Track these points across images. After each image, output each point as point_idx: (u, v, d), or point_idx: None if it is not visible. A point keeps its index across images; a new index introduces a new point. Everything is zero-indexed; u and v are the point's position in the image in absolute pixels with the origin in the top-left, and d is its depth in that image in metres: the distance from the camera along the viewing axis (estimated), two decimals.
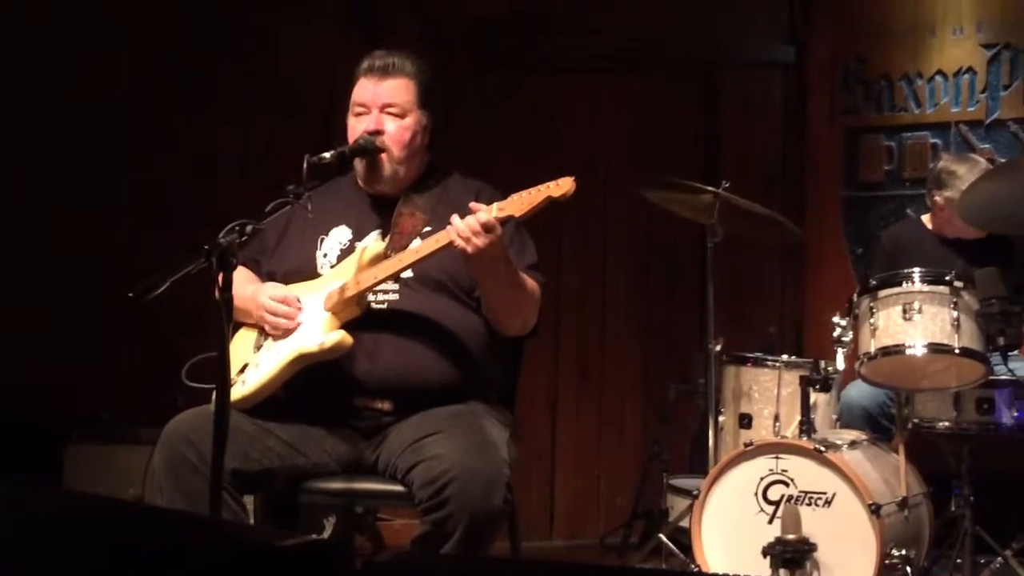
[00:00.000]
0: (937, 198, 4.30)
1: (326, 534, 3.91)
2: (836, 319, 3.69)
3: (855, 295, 3.69)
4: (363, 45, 4.07)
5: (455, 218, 2.70)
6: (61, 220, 4.59)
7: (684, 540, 3.77)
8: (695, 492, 3.64)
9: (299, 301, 2.88)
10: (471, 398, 2.89)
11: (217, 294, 2.39)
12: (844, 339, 3.67)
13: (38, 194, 4.59)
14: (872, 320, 3.57)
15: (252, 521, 3.14)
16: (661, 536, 4.06)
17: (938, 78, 5.11)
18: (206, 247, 2.38)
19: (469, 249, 2.68)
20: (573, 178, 2.67)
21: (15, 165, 4.58)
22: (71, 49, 4.64)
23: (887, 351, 3.52)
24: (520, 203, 2.69)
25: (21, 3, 4.58)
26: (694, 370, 4.41)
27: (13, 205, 4.56)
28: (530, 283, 2.92)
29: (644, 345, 5.20)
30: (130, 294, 2.35)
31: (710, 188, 3.99)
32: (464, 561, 2.25)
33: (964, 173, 4.14)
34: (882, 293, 3.59)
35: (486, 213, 2.69)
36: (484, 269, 2.78)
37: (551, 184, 2.68)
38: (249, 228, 2.48)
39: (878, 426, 4.09)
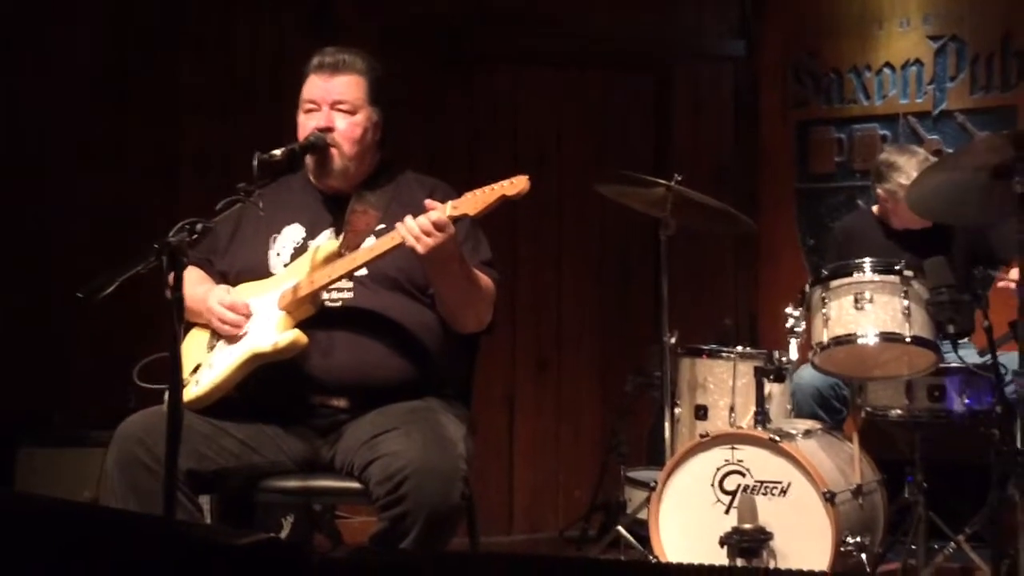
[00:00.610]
0: (879, 190, 4.34)
1: (284, 533, 3.90)
2: (789, 310, 3.72)
3: (807, 286, 3.72)
4: (319, 43, 4.06)
5: (408, 218, 2.70)
6: (12, 221, 4.53)
7: (642, 532, 3.79)
8: (652, 484, 3.66)
9: (248, 308, 2.86)
10: (427, 394, 2.89)
11: (168, 293, 2.37)
12: (797, 329, 3.70)
13: None
14: (824, 310, 3.60)
15: (209, 521, 3.13)
16: (619, 528, 4.08)
17: (886, 70, 5.16)
18: (156, 246, 2.36)
19: (421, 248, 2.68)
20: (527, 177, 2.68)
21: None
22: (24, 46, 4.58)
23: (839, 340, 3.56)
24: (474, 202, 2.70)
25: None
26: (650, 363, 4.42)
27: None
28: (484, 280, 2.93)
29: (601, 339, 5.22)
30: (79, 294, 2.33)
31: (663, 182, 4.01)
32: (422, 556, 2.26)
33: (903, 164, 4.18)
34: (834, 283, 3.62)
35: (439, 212, 2.69)
36: (437, 267, 2.79)
37: (505, 183, 2.68)
38: (199, 226, 2.47)
39: (829, 407, 4.13)
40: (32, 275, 4.50)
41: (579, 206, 5.11)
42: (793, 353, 3.73)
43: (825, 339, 3.57)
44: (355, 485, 2.76)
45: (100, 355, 4.46)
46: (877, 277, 3.58)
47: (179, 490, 2.54)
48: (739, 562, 3.40)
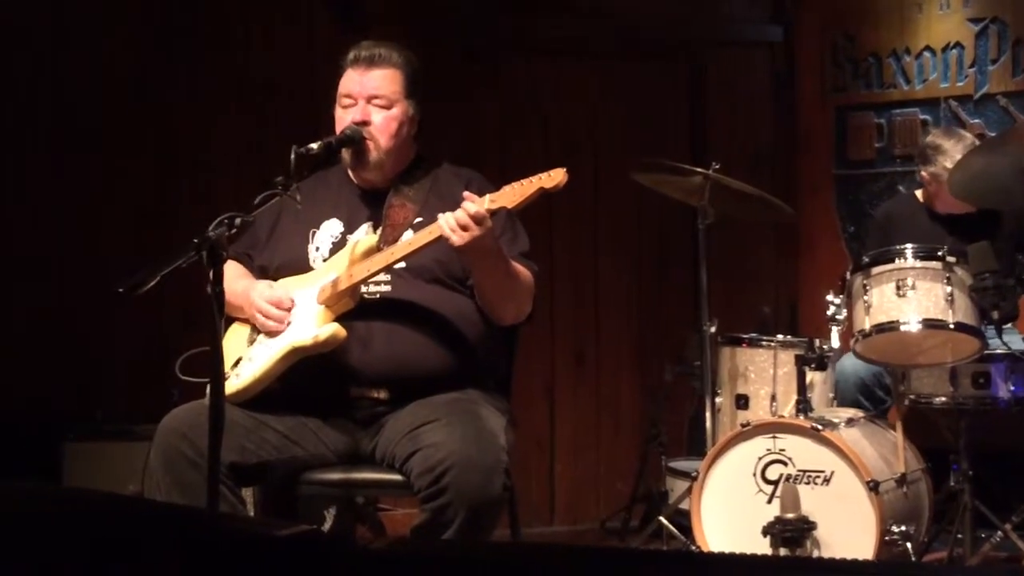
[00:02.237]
0: (924, 173, 4.30)
1: (327, 525, 3.91)
2: (830, 297, 3.69)
3: (848, 273, 3.69)
4: (350, 36, 4.06)
5: (447, 212, 2.70)
6: (53, 219, 4.58)
7: (684, 522, 3.78)
8: (694, 474, 3.65)
9: (291, 302, 2.88)
10: (467, 386, 2.90)
11: (208, 288, 2.38)
12: (838, 317, 3.67)
13: (30, 194, 4.57)
14: (866, 297, 3.57)
15: (252, 514, 3.14)
16: (661, 519, 4.06)
17: (926, 54, 5.11)
18: (196, 241, 2.38)
19: (458, 241, 2.68)
20: (565, 169, 2.68)
21: (5, 164, 4.56)
22: (62, 45, 4.62)
23: (881, 328, 3.53)
24: (512, 194, 2.70)
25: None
26: (689, 352, 4.41)
27: (4, 205, 4.55)
28: (523, 271, 2.93)
29: (639, 328, 5.20)
30: (120, 290, 2.34)
31: (700, 170, 3.99)
32: (464, 548, 2.25)
33: (950, 148, 4.14)
34: (875, 270, 3.59)
35: (476, 205, 2.69)
36: (476, 260, 2.79)
37: (543, 175, 2.68)
38: (238, 221, 2.48)
39: (873, 396, 4.10)
40: (75, 270, 4.54)
41: (615, 196, 5.09)
42: (835, 341, 3.70)
43: (867, 326, 3.54)
44: (396, 477, 2.77)
45: (143, 349, 4.49)
46: (919, 263, 3.54)
47: (222, 483, 2.56)
48: (782, 552, 3.38)
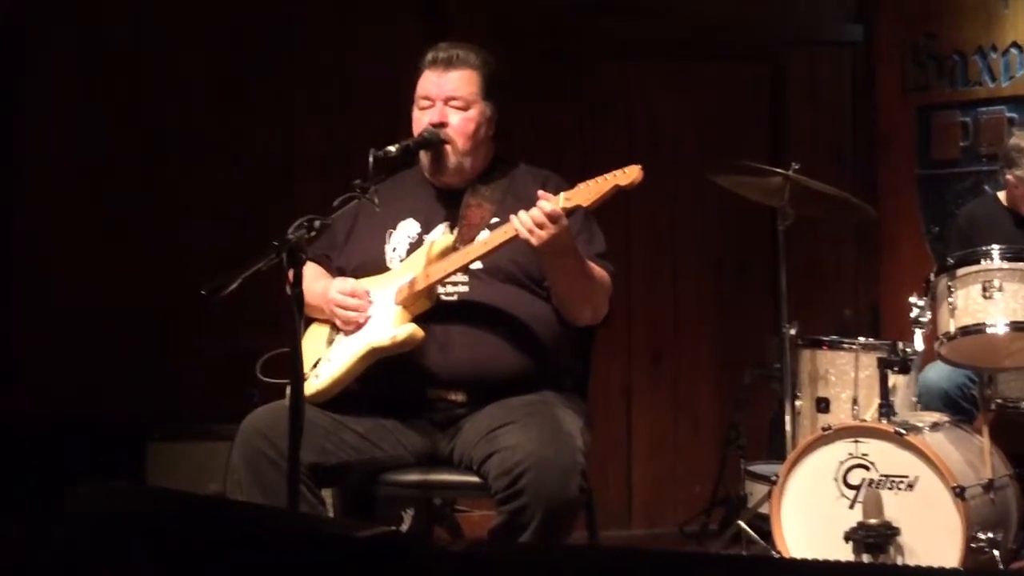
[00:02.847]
0: (1008, 176, 4.21)
1: (405, 526, 3.93)
2: (913, 299, 3.63)
3: (932, 275, 3.63)
4: (430, 37, 4.08)
5: (522, 211, 2.70)
6: (137, 220, 4.66)
7: (764, 526, 3.74)
8: (774, 478, 3.61)
9: (368, 294, 2.90)
10: (544, 387, 2.89)
11: (288, 290, 2.40)
12: (922, 320, 3.61)
13: (113, 195, 4.66)
14: (951, 299, 3.51)
15: (331, 514, 3.17)
16: (740, 523, 4.03)
17: (1013, 50, 4.99)
18: (275, 243, 2.40)
19: (534, 240, 2.68)
20: (640, 166, 2.66)
21: (92, 165, 4.66)
22: (145, 49, 4.70)
23: (967, 330, 3.46)
24: (588, 192, 2.69)
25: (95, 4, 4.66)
26: (769, 354, 4.36)
27: (89, 206, 4.64)
28: (600, 272, 2.91)
29: (717, 330, 5.15)
30: (203, 292, 2.37)
31: (780, 170, 3.94)
32: (542, 550, 2.25)
33: None
34: (960, 272, 3.52)
35: (552, 203, 2.68)
36: (552, 260, 2.78)
37: (618, 172, 2.67)
38: (317, 223, 2.50)
39: (958, 408, 4.01)
40: (157, 272, 4.61)
41: (693, 197, 5.05)
42: (918, 344, 3.64)
43: (952, 329, 3.48)
44: (474, 479, 2.77)
45: (225, 351, 4.56)
46: (1006, 264, 3.47)
47: (302, 483, 2.58)
48: (865, 558, 3.33)
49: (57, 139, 4.64)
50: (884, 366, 3.65)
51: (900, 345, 3.71)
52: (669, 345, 5.13)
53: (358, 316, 2.88)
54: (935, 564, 3.16)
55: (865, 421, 3.64)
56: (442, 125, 2.93)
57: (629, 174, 2.65)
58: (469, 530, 4.30)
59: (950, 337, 3.48)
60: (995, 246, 3.52)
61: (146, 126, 4.69)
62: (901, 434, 3.41)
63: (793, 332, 3.95)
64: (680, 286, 5.14)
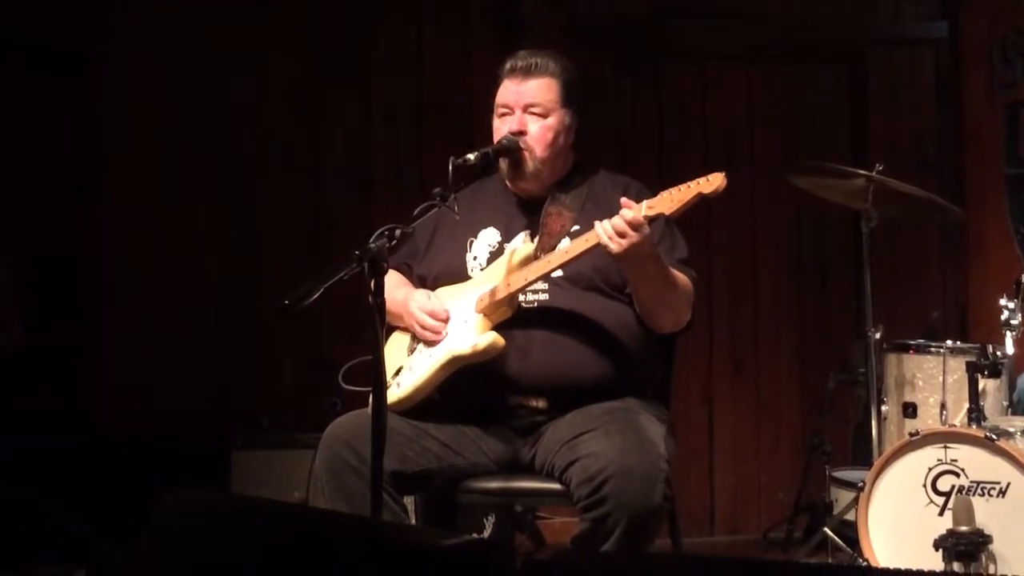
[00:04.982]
0: None
1: (487, 533, 3.94)
2: (1003, 301, 3.55)
3: (1022, 275, 3.54)
4: (506, 44, 4.08)
5: (604, 220, 2.69)
6: (218, 232, 4.73)
7: (850, 533, 3.68)
8: (860, 484, 3.54)
9: (447, 313, 2.90)
10: (626, 394, 2.88)
11: (369, 299, 2.42)
12: (1013, 322, 3.53)
13: (194, 210, 4.73)
14: None
15: (413, 522, 3.18)
16: (826, 530, 3.97)
17: None
18: (357, 253, 2.41)
19: (615, 248, 2.66)
20: (723, 174, 2.63)
21: (176, 186, 4.74)
22: (223, 72, 4.77)
23: None
24: (670, 200, 2.67)
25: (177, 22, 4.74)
26: (853, 359, 4.30)
27: (175, 221, 4.72)
28: (682, 279, 2.89)
29: (799, 335, 5.09)
30: (286, 302, 2.39)
31: (863, 172, 3.88)
32: (625, 558, 2.23)
33: None
34: None
35: (634, 211, 2.66)
36: (633, 267, 2.76)
37: (701, 180, 2.64)
38: (398, 232, 2.51)
39: None
40: (240, 282, 4.68)
41: (774, 200, 4.99)
42: (1009, 347, 3.56)
43: None
44: (556, 486, 2.76)
45: (308, 359, 4.60)
46: None
47: (385, 491, 2.59)
48: (956, 566, 3.26)
49: (139, 160, 4.73)
50: (973, 370, 3.57)
51: (990, 348, 3.63)
52: (750, 350, 5.08)
53: (435, 337, 2.89)
54: None
55: (954, 426, 3.57)
56: (521, 133, 2.93)
57: (712, 182, 2.62)
58: (551, 537, 4.29)
59: None
60: None
61: (225, 148, 4.76)
62: (992, 439, 3.33)
63: (878, 336, 3.89)
64: (761, 290, 5.08)
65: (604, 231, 2.68)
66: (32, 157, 4.53)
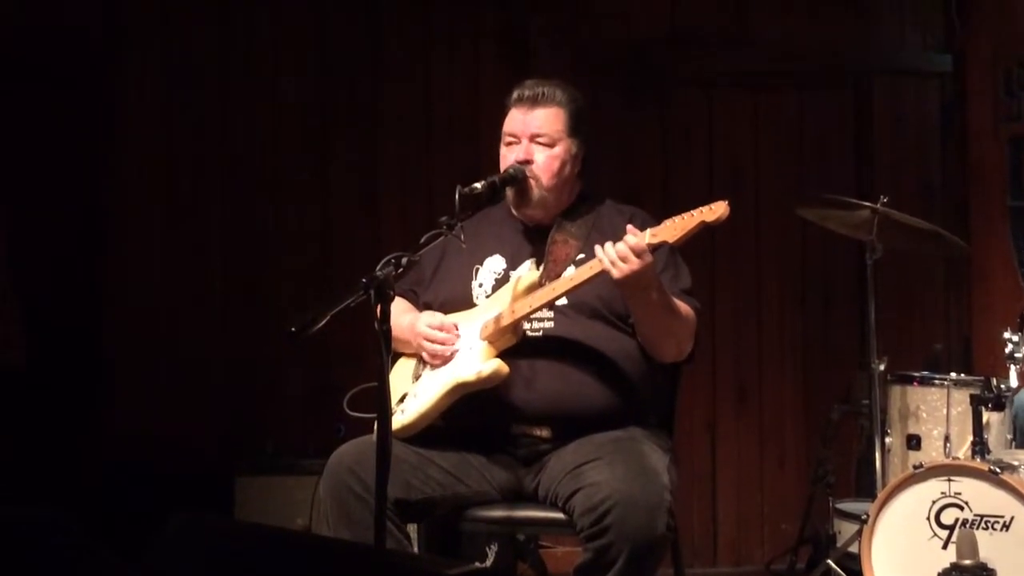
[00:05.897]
0: None
1: (489, 562, 3.93)
2: (1007, 334, 3.56)
3: None
4: (513, 71, 4.10)
5: (607, 244, 2.70)
6: (223, 257, 4.75)
7: (853, 566, 3.66)
8: (864, 516, 3.54)
9: (457, 327, 2.91)
10: (629, 423, 2.88)
11: (376, 325, 2.42)
12: (1017, 355, 3.53)
13: (199, 235, 4.75)
14: None
15: (416, 550, 3.18)
16: (829, 562, 3.94)
17: None
18: (364, 280, 2.42)
19: (617, 273, 2.67)
20: (727, 202, 2.64)
21: (183, 207, 4.75)
22: (234, 89, 4.80)
23: None
24: (674, 229, 2.67)
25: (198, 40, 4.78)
26: (857, 390, 4.29)
27: (181, 244, 4.73)
28: (684, 308, 2.89)
29: (803, 365, 5.08)
30: (292, 329, 2.40)
31: (868, 204, 3.89)
32: None
33: None
34: None
35: (637, 238, 2.67)
36: (635, 295, 2.77)
37: (705, 209, 2.65)
38: (405, 260, 2.52)
39: None
40: (245, 307, 4.69)
41: (778, 230, 5.00)
42: (1013, 380, 3.56)
43: None
44: (559, 515, 2.76)
45: (312, 386, 4.61)
46: None
47: (388, 519, 2.59)
48: None
49: (146, 179, 4.75)
50: (977, 403, 3.57)
51: (994, 381, 3.63)
52: (754, 380, 5.08)
53: (445, 349, 2.89)
54: None
55: (958, 459, 3.56)
56: (527, 162, 2.94)
57: (716, 210, 2.63)
58: (553, 566, 4.28)
59: None
60: None
61: (234, 165, 4.77)
62: (996, 472, 3.33)
63: (882, 367, 3.89)
64: (765, 320, 5.08)
65: (607, 256, 2.69)
66: (38, 182, 4.56)
